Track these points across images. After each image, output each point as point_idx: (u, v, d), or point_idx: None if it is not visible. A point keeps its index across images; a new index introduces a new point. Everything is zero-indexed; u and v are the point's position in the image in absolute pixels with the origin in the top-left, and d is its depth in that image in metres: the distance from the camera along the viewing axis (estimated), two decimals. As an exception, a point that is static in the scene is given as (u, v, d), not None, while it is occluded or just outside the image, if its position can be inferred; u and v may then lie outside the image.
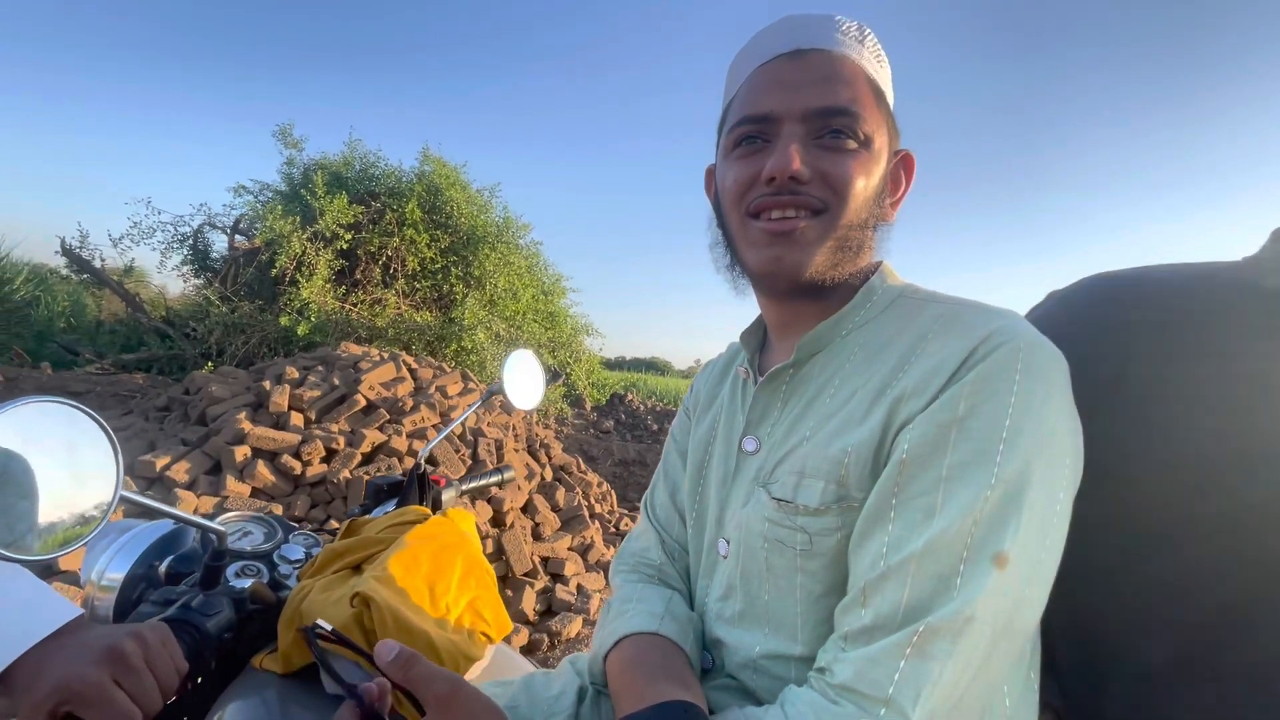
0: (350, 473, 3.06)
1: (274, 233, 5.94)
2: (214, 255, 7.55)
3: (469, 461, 3.72)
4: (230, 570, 0.74)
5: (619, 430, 8.62)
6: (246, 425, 3.01)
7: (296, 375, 3.63)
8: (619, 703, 0.50)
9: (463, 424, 3.98)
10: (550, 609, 3.11)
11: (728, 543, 0.58)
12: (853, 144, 0.52)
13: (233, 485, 2.78)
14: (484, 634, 0.77)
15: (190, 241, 7.27)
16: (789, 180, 0.50)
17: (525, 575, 3.21)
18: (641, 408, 10.00)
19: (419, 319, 6.61)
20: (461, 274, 7.29)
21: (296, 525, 0.90)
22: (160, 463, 2.77)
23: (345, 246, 6.49)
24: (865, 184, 0.52)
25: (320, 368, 3.93)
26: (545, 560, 3.40)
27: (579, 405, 9.22)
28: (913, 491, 0.45)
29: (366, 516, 0.90)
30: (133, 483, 2.78)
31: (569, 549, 3.67)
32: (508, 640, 0.95)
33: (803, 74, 0.52)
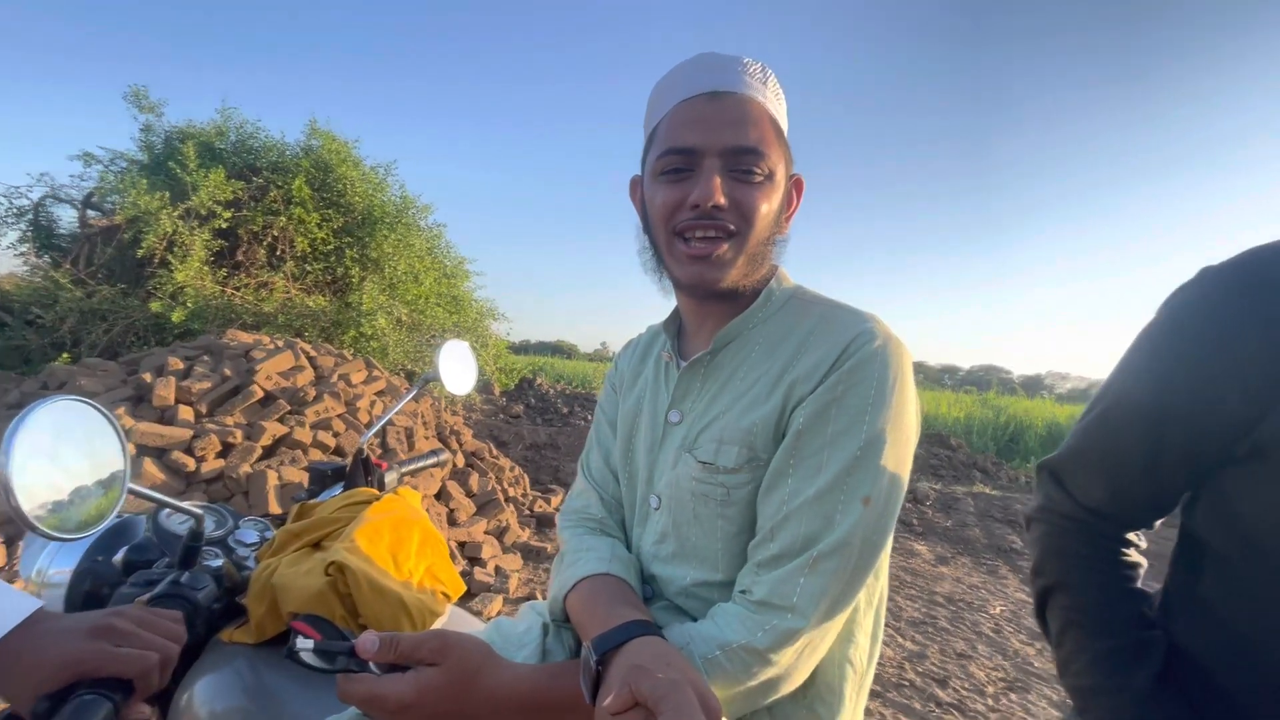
0: (251, 466, 2.92)
1: (138, 209, 5.38)
2: (61, 232, 6.70)
3: (379, 450, 3.65)
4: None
5: (529, 414, 8.62)
6: (128, 421, 2.80)
7: (181, 366, 3.39)
8: (585, 629, 0.61)
9: (370, 412, 3.88)
10: (470, 591, 3.16)
11: (659, 498, 0.71)
12: (759, 177, 0.65)
13: (115, 486, 2.59)
14: (443, 594, 0.86)
15: (30, 216, 6.39)
16: (711, 209, 0.63)
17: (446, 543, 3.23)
18: (551, 391, 10.02)
19: (311, 304, 6.24)
20: (357, 256, 6.95)
21: (238, 514, 0.94)
22: (25, 465, 2.53)
23: (224, 226, 5.99)
24: (769, 209, 0.66)
25: (207, 357, 3.68)
26: (462, 545, 3.43)
27: (488, 391, 9.10)
28: (806, 454, 0.60)
29: (314, 500, 0.95)
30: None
31: (485, 533, 3.71)
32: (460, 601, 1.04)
33: (720, 114, 0.65)
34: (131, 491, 0.59)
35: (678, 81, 0.68)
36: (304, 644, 0.52)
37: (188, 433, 2.90)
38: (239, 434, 3.01)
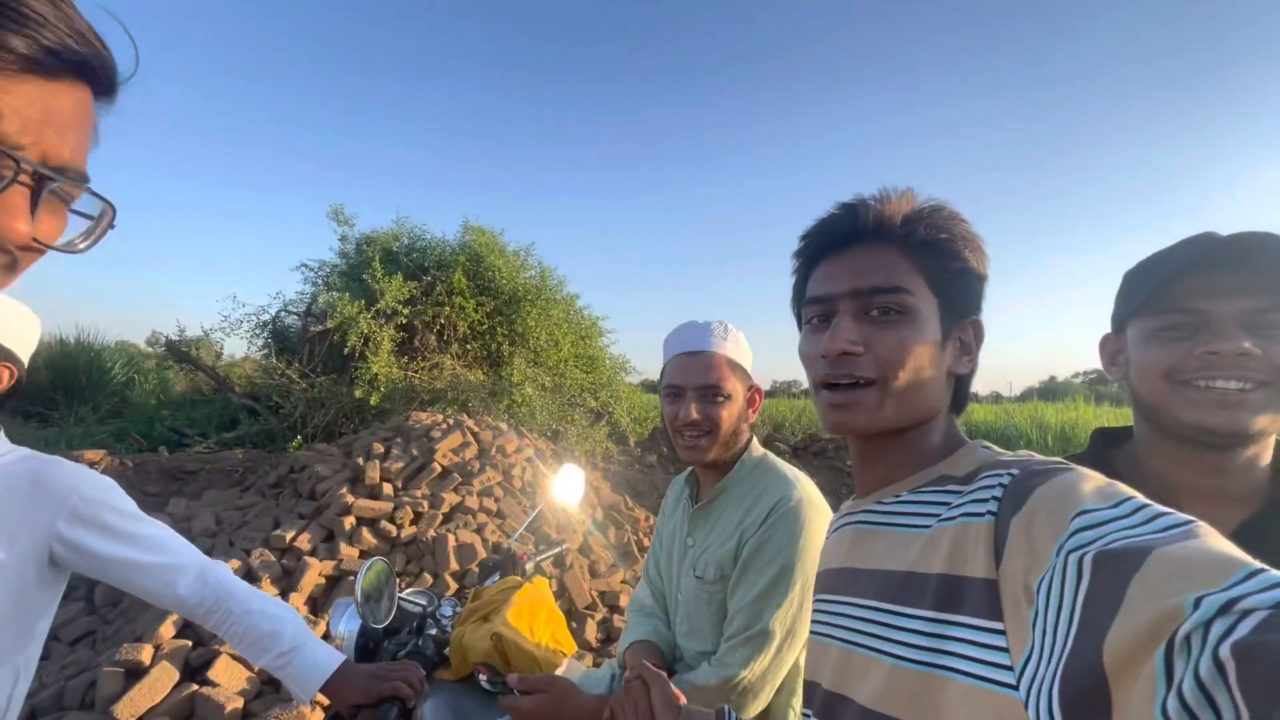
0: (435, 531, 3.67)
1: (343, 316, 6.78)
2: (289, 336, 8.52)
3: (530, 510, 4.31)
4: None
5: (662, 463, 9.13)
6: (350, 498, 3.68)
7: (381, 450, 4.31)
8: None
9: (521, 478, 4.58)
10: (609, 636, 3.63)
11: (681, 596, 1.13)
12: (721, 398, 1.07)
13: (345, 550, 3.42)
14: (560, 652, 1.32)
15: (270, 327, 8.25)
16: (690, 423, 1.06)
17: (586, 609, 3.74)
18: (683, 437, 10.47)
19: (472, 378, 7.33)
20: (506, 332, 8.02)
21: (441, 595, 1.48)
22: (289, 535, 3.44)
23: (404, 321, 7.30)
24: (729, 416, 1.07)
25: (398, 439, 4.61)
26: (602, 594, 3.93)
27: (623, 442, 9.78)
28: (748, 573, 0.99)
29: (484, 586, 1.47)
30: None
31: (622, 582, 4.19)
32: (575, 656, 1.50)
33: (694, 364, 1.09)
34: (400, 599, 1.13)
35: (673, 342, 1.13)
36: (484, 679, 1.01)
37: (389, 505, 3.72)
38: (425, 504, 3.80)
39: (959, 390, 0.66)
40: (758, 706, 0.97)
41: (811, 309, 0.67)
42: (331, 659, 1.10)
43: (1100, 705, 0.33)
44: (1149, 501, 0.42)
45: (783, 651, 0.95)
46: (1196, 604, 0.31)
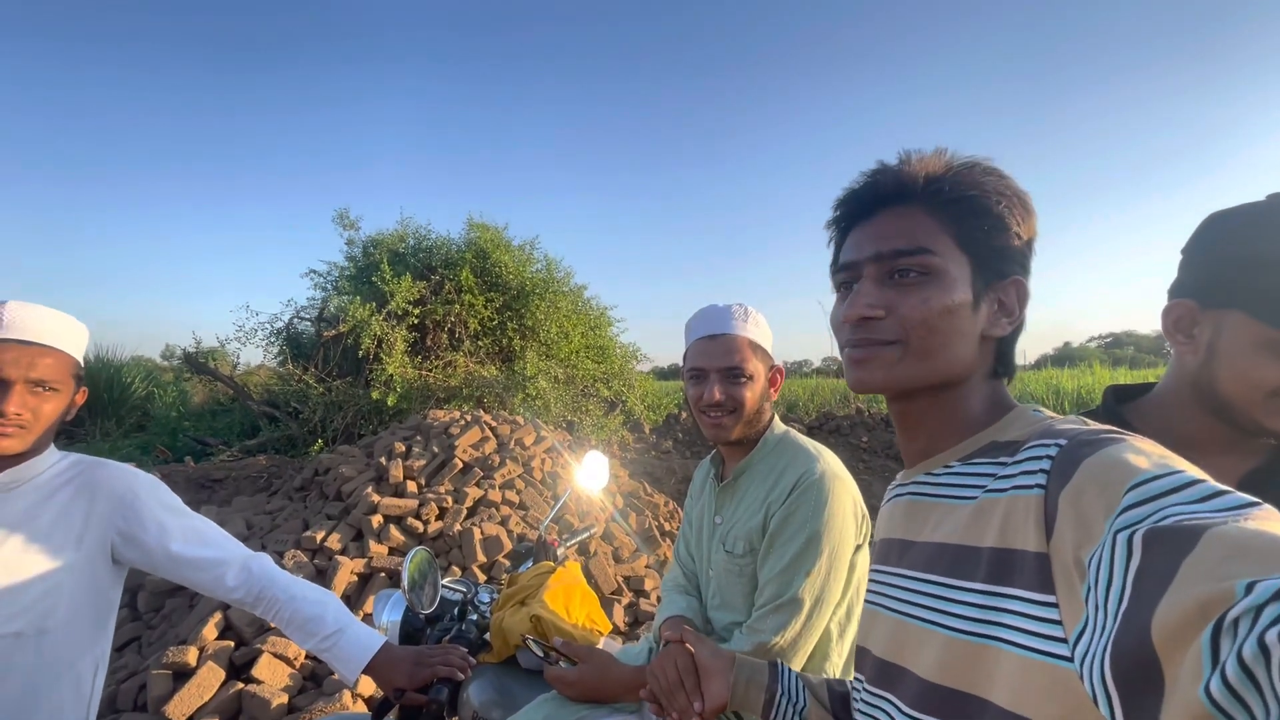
0: (460, 525, 3.74)
1: (356, 319, 6.86)
2: (303, 342, 8.63)
3: (551, 501, 4.37)
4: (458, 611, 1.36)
5: (678, 448, 9.18)
6: (375, 497, 3.75)
7: (403, 449, 4.38)
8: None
9: (541, 469, 4.64)
10: (637, 620, 3.70)
11: (711, 571, 1.16)
12: (744, 379, 1.10)
13: (374, 548, 3.50)
14: (597, 630, 1.36)
15: (284, 334, 8.35)
16: (714, 403, 1.09)
17: (612, 594, 3.80)
18: (696, 424, 10.52)
19: (485, 374, 7.40)
20: (517, 327, 8.07)
21: (477, 583, 1.53)
22: (319, 536, 3.53)
23: (415, 321, 7.36)
24: (751, 396, 1.10)
25: (419, 437, 4.68)
26: (627, 579, 3.99)
27: (638, 429, 9.84)
28: (775, 545, 1.02)
29: (518, 572, 1.52)
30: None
31: (646, 566, 4.25)
32: (609, 635, 1.55)
33: (717, 347, 1.12)
34: (444, 586, 1.18)
35: (695, 325, 1.16)
36: (531, 643, 1.07)
37: (414, 502, 3.79)
38: (449, 500, 3.86)
39: (1002, 354, 0.64)
40: (791, 659, 1.01)
41: (840, 276, 0.67)
42: (374, 640, 1.15)
43: (1153, 679, 0.34)
44: (1203, 475, 0.42)
45: (813, 618, 0.98)
46: (1249, 588, 0.31)
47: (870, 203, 0.64)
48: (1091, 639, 0.40)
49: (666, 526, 5.15)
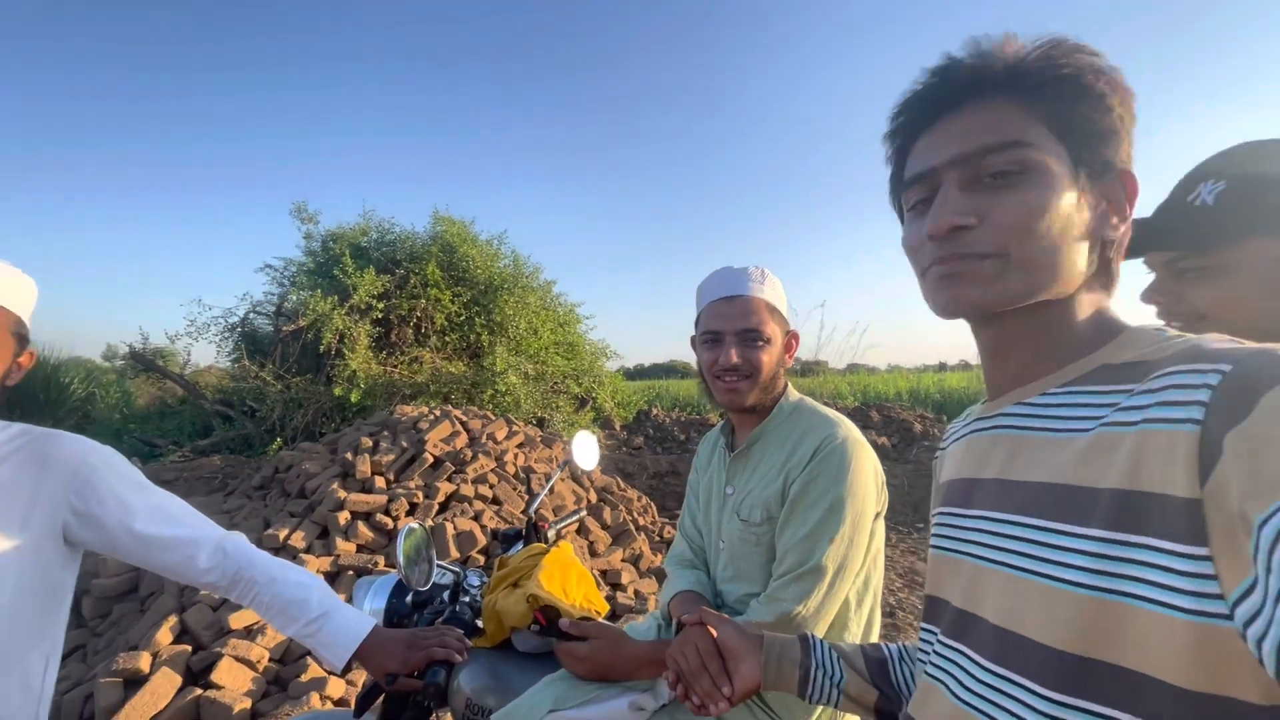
0: (432, 520, 3.62)
1: (316, 314, 6.61)
2: (260, 337, 8.28)
3: (525, 495, 4.28)
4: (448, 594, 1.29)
5: (649, 445, 9.14)
6: (342, 493, 3.60)
7: (370, 444, 4.23)
8: (676, 616, 1.03)
9: (515, 464, 4.54)
10: (615, 613, 3.64)
11: (723, 542, 1.12)
12: (761, 342, 1.06)
13: (341, 545, 3.35)
14: (596, 611, 1.31)
15: (239, 329, 7.99)
16: (731, 368, 1.05)
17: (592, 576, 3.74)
18: (667, 420, 10.52)
19: (453, 370, 7.22)
20: (485, 322, 7.91)
21: (466, 566, 1.45)
22: (281, 534, 3.36)
23: (379, 316, 7.14)
24: (768, 360, 1.06)
25: (386, 432, 4.52)
26: (604, 573, 3.93)
27: (609, 426, 9.77)
28: (796, 512, 0.98)
29: (506, 555, 1.45)
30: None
31: (622, 560, 4.20)
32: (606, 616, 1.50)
33: (733, 309, 1.07)
34: (439, 566, 1.10)
35: (709, 287, 1.11)
36: (535, 629, 1.00)
37: (384, 498, 3.66)
38: (420, 495, 3.73)
39: (1108, 261, 0.55)
40: (814, 626, 0.97)
41: (914, 191, 0.57)
42: (363, 624, 1.07)
43: None
44: None
45: (835, 587, 0.95)
46: None
47: (941, 103, 0.55)
48: (1266, 601, 0.35)
49: (641, 521, 5.10)
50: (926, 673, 0.61)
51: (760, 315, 1.06)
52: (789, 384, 1.13)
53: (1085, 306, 0.55)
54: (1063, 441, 0.51)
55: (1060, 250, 0.52)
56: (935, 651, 0.60)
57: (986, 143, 0.52)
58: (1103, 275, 0.56)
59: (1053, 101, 0.51)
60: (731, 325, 1.05)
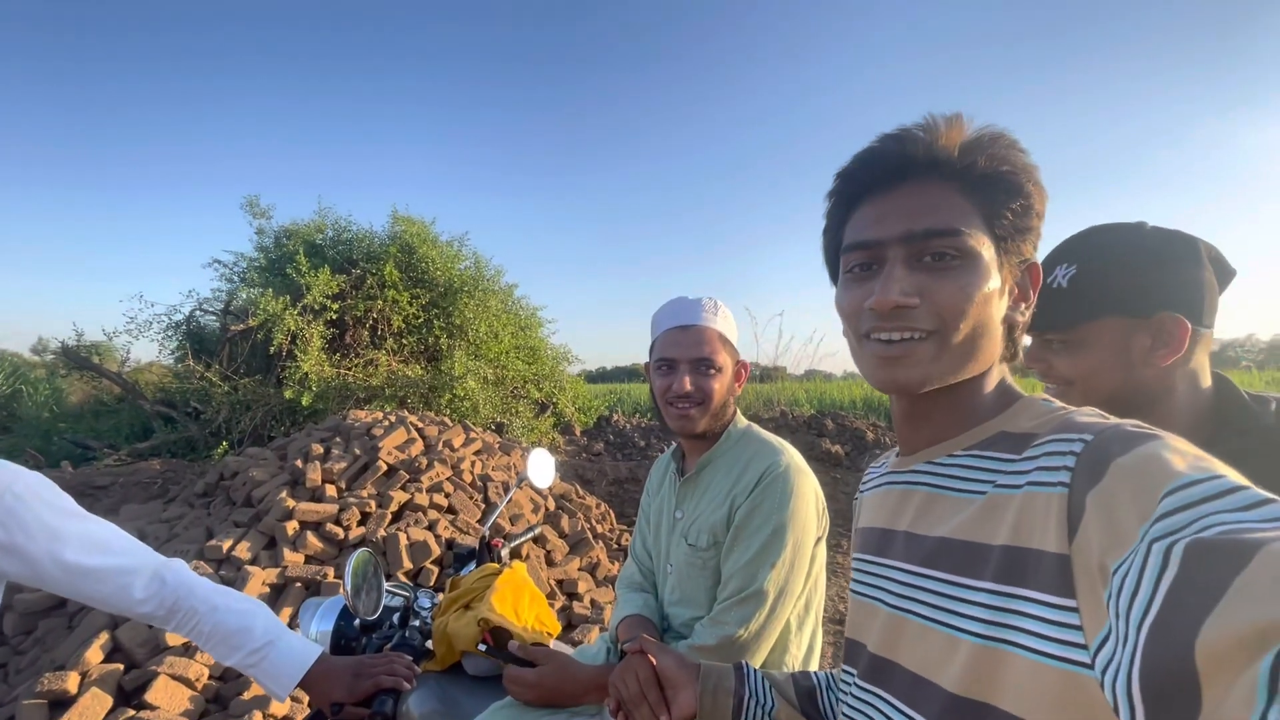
0: (385, 530, 3.55)
1: (267, 313, 6.40)
2: (206, 336, 7.96)
3: (482, 505, 4.24)
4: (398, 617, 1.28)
5: (609, 451, 9.15)
6: (291, 502, 3.50)
7: (321, 451, 4.12)
8: (621, 642, 1.06)
9: (471, 471, 4.49)
10: (570, 623, 3.64)
11: (671, 566, 1.15)
12: (714, 371, 1.10)
13: (289, 556, 3.26)
14: (547, 633, 1.32)
15: (184, 327, 7.67)
16: (683, 394, 1.08)
17: (545, 597, 3.72)
18: (628, 427, 10.55)
19: (410, 374, 7.09)
20: (444, 325, 7.79)
21: (417, 587, 1.44)
22: (225, 545, 3.25)
23: (334, 317, 6.96)
24: (719, 388, 1.10)
25: (338, 438, 4.41)
26: (560, 582, 3.92)
27: (569, 432, 9.73)
28: (741, 537, 1.02)
29: (459, 575, 1.44)
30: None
31: (579, 569, 4.19)
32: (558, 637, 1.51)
33: (687, 338, 1.11)
34: (388, 589, 1.10)
35: (664, 317, 1.14)
36: (484, 649, 1.01)
37: (334, 507, 3.57)
38: (373, 504, 3.66)
39: (1012, 339, 0.60)
40: (754, 664, 1.01)
41: (854, 256, 0.59)
42: (309, 652, 1.06)
43: (1188, 698, 0.32)
44: (1245, 482, 0.39)
45: (776, 610, 0.99)
46: None
47: (892, 173, 0.57)
48: (1116, 648, 0.38)
49: (599, 529, 5.10)
50: (844, 713, 0.65)
51: (713, 345, 1.11)
52: (738, 411, 1.17)
53: (993, 379, 0.60)
54: (964, 501, 0.55)
55: (986, 332, 0.56)
56: (852, 694, 0.64)
57: (932, 227, 0.55)
58: (1008, 350, 0.61)
59: (989, 196, 0.56)
60: (685, 354, 1.09)
